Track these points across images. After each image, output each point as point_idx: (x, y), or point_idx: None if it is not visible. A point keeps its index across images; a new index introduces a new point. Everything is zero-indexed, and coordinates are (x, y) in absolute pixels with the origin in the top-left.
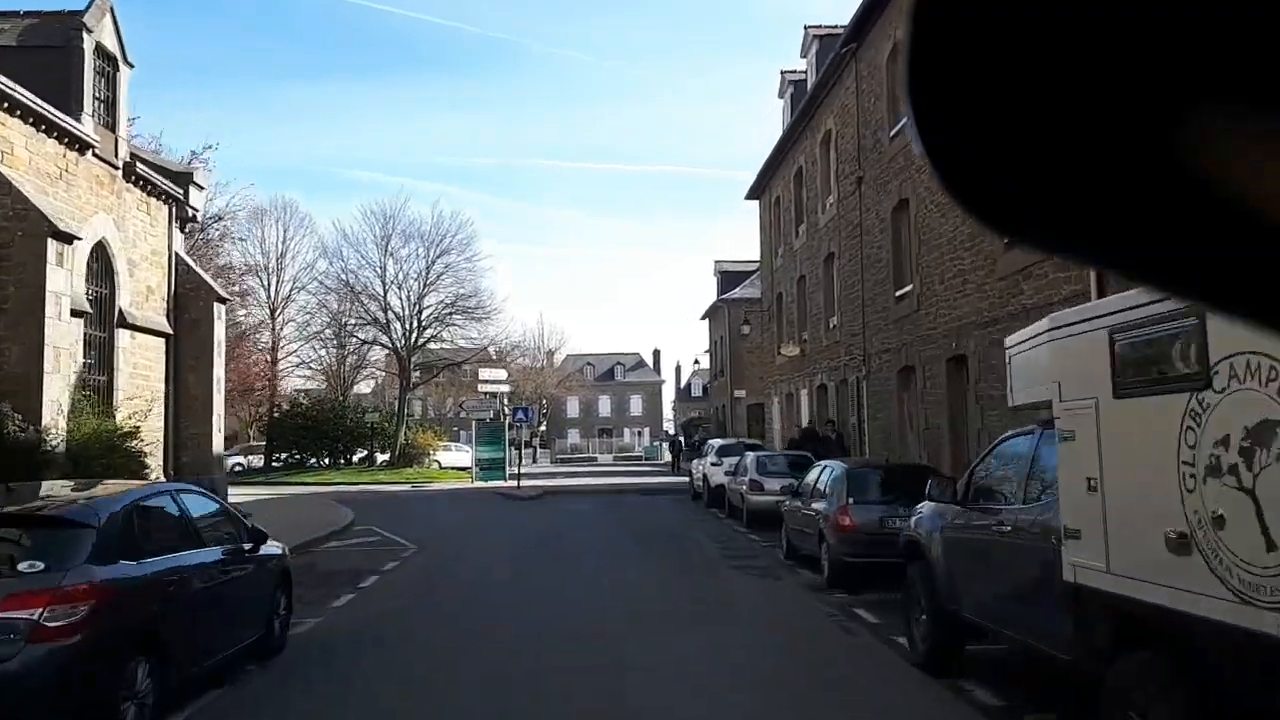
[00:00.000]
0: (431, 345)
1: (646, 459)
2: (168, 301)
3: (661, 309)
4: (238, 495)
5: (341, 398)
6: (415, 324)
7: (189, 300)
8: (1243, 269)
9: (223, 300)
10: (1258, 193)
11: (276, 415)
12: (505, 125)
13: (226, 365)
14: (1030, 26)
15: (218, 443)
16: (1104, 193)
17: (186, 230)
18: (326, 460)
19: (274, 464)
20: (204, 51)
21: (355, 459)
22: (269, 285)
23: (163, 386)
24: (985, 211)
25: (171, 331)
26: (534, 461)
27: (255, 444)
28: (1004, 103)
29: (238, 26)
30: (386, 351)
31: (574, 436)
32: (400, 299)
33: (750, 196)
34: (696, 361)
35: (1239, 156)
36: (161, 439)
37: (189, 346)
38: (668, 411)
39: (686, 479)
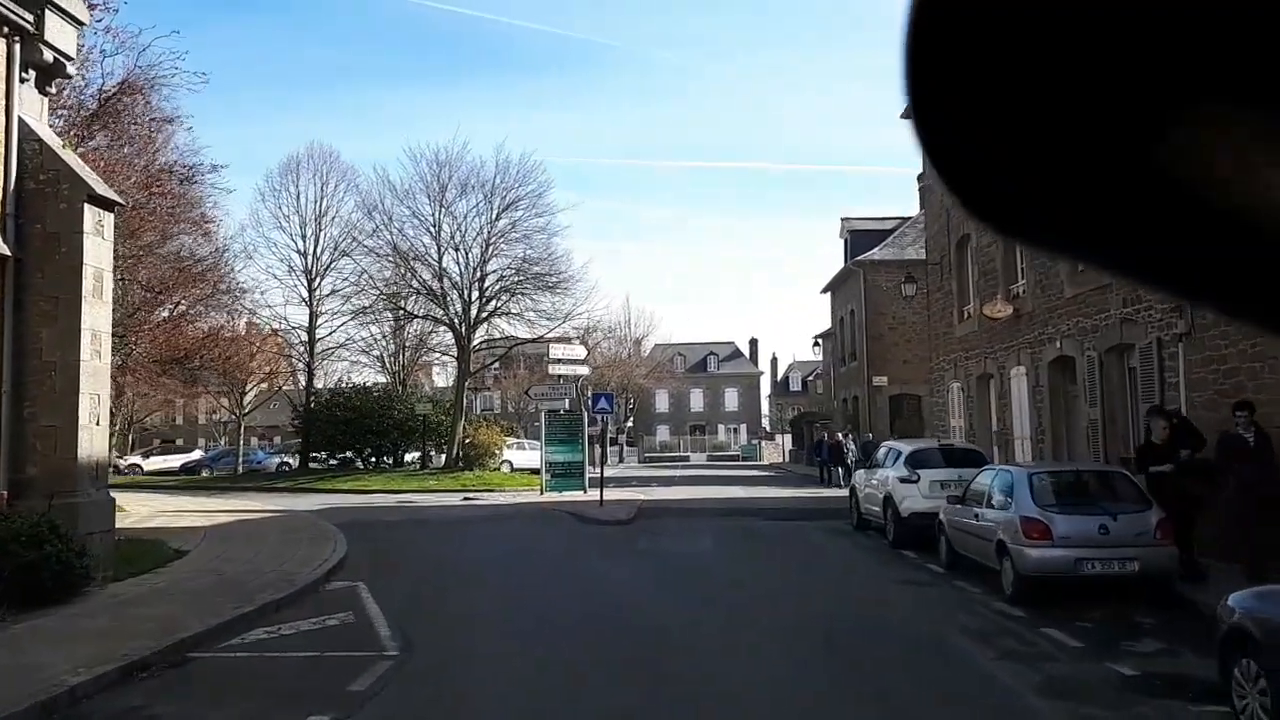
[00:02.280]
0: (497, 321)
1: (744, 459)
2: (2, 204)
3: (758, 297)
4: (219, 509)
5: (401, 387)
6: (476, 294)
7: (42, 202)
8: (1241, 269)
9: (106, 204)
10: (1256, 192)
11: (313, 406)
12: (587, 124)
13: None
14: (1030, 26)
15: (90, 443)
16: (1104, 193)
17: (52, 90)
18: (373, 460)
19: (312, 464)
20: (279, 58)
21: (408, 459)
22: (305, 251)
23: None
24: (985, 211)
25: (8, 252)
26: (620, 461)
27: (292, 442)
28: (1004, 102)
29: (316, 33)
30: (448, 331)
31: (663, 433)
32: (458, 264)
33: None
34: (816, 343)
35: (1238, 156)
36: None
37: (41, 279)
38: (765, 407)
39: (821, 484)
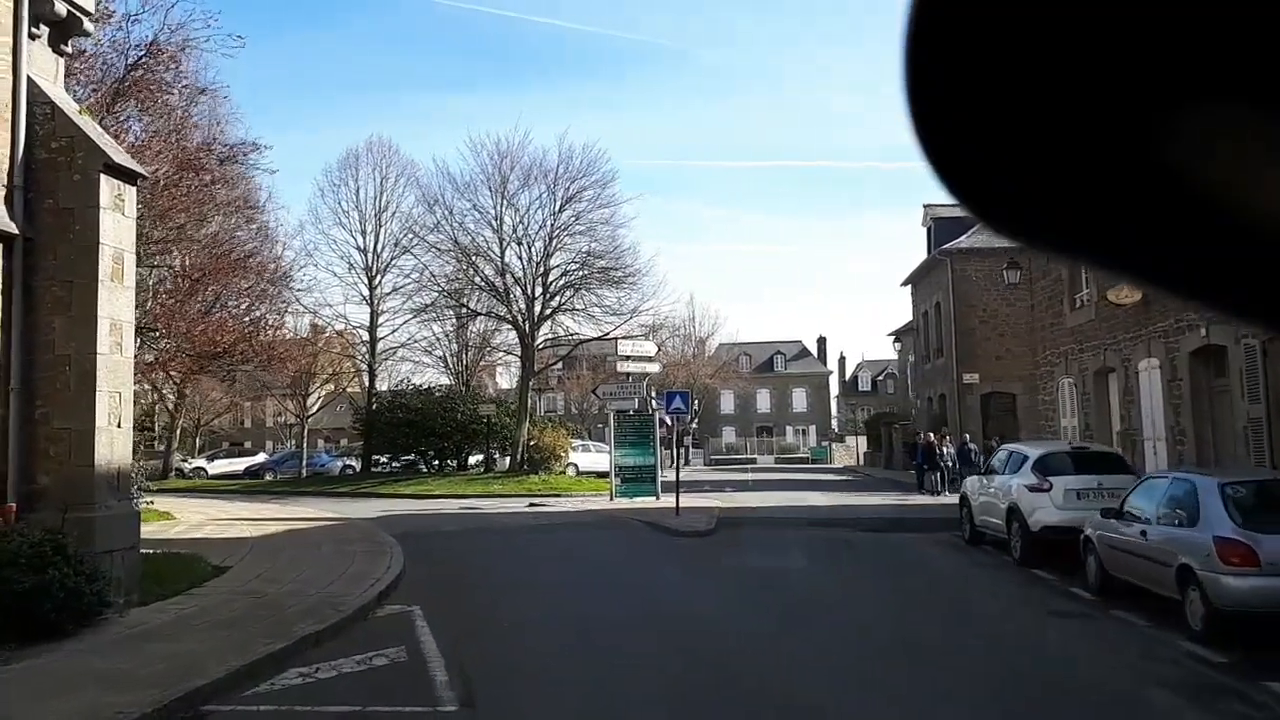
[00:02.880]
0: (561, 318)
1: (814, 462)
2: (9, 175)
3: (824, 295)
4: (273, 517)
5: (464, 388)
6: (540, 290)
7: (54, 173)
8: (1241, 269)
9: (126, 176)
10: (1254, 193)
11: (375, 408)
12: (638, 125)
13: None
14: (1029, 27)
15: (110, 447)
16: (1103, 193)
17: (68, 49)
18: (436, 464)
19: (374, 468)
20: (331, 68)
21: (472, 462)
22: (365, 248)
23: None
24: (986, 212)
25: (15, 230)
26: (685, 463)
27: (355, 445)
28: (1004, 103)
29: (382, 41)
30: (510, 329)
31: (729, 435)
32: (521, 259)
33: None
34: (897, 340)
35: (1237, 157)
36: None
37: (53, 261)
38: (834, 407)
39: (926, 494)
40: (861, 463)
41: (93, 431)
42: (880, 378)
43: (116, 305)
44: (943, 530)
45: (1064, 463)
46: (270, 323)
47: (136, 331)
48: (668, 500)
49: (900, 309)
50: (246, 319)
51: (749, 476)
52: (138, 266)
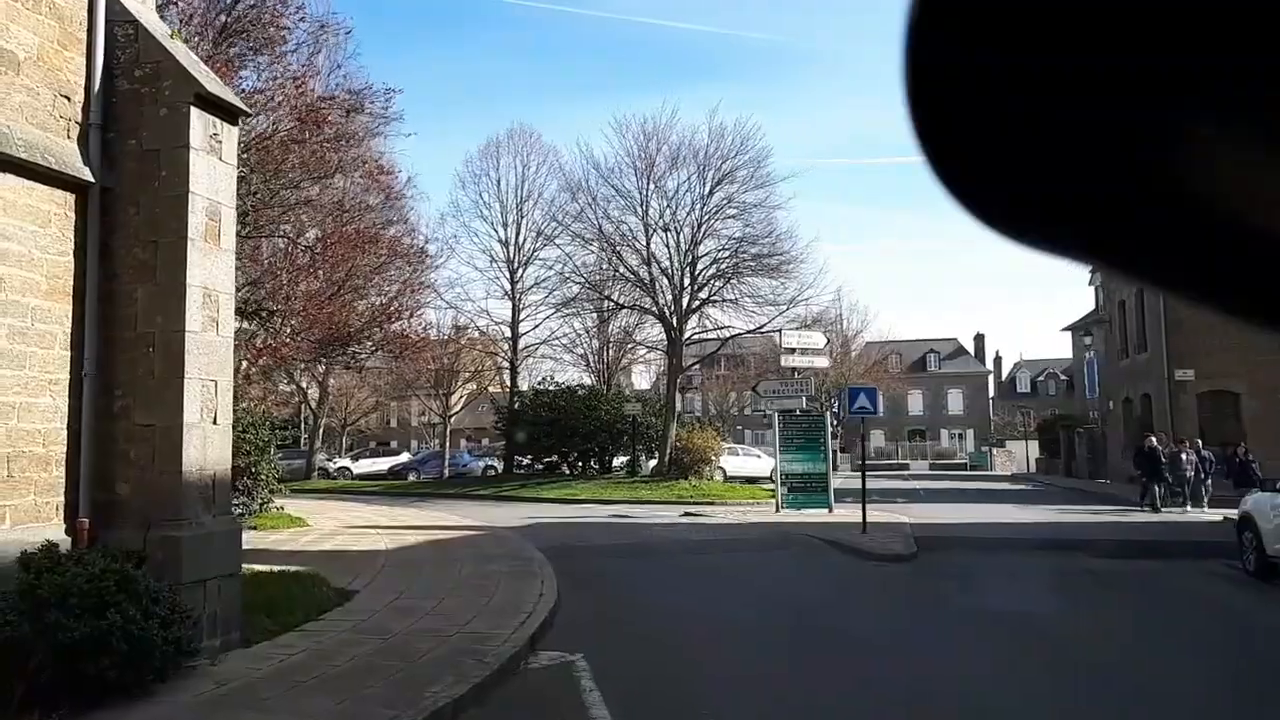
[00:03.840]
0: (709, 310)
1: (973, 468)
2: (84, 109)
3: (977, 291)
4: (411, 524)
5: (604, 386)
6: (688, 280)
7: (137, 107)
8: (1241, 269)
9: (224, 111)
10: (1253, 195)
11: (516, 406)
12: (790, 126)
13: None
14: (1029, 28)
15: (203, 448)
16: (1104, 195)
17: None
18: (579, 465)
19: (516, 469)
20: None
21: (616, 464)
22: (507, 240)
23: (59, 309)
24: (986, 212)
25: (92, 178)
26: (834, 468)
27: (497, 445)
28: (1004, 104)
29: (508, 49)
30: (655, 324)
31: (877, 438)
32: (668, 247)
33: None
34: (1087, 334)
35: (1236, 159)
36: (58, 441)
37: (135, 215)
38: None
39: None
40: (1033, 470)
41: (180, 428)
42: (1041, 378)
43: (212, 271)
44: (1206, 557)
45: None
46: (403, 306)
47: (253, 313)
48: (842, 513)
49: (1074, 303)
50: (378, 301)
51: (915, 485)
52: (251, 235)
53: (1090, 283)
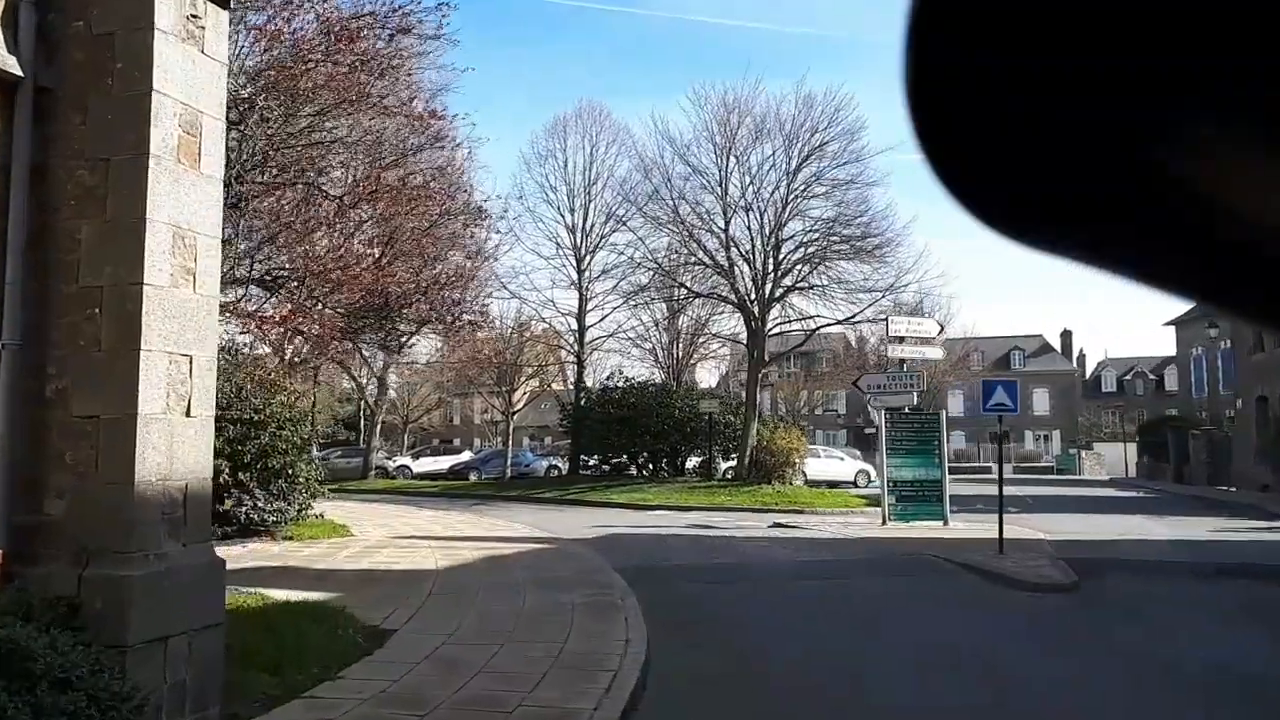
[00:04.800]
0: (793, 299)
1: (1060, 471)
2: None
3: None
4: (468, 534)
5: (674, 382)
6: (771, 265)
7: None
8: (1242, 269)
9: None
10: (1254, 194)
11: (584, 403)
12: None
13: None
14: (1029, 29)
15: (168, 449)
16: (1104, 195)
17: None
18: (649, 467)
19: (582, 469)
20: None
21: (689, 466)
22: (574, 226)
23: None
24: (986, 212)
25: (20, 73)
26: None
27: (561, 443)
28: (1004, 104)
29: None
30: (732, 315)
31: (957, 440)
32: (749, 229)
33: None
34: (1213, 325)
35: (1236, 159)
36: None
37: (80, 126)
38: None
39: None
40: (1132, 474)
41: (135, 421)
42: (1128, 377)
43: (186, 203)
44: None
45: None
46: (454, 274)
47: (270, 283)
48: (958, 526)
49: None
50: (423, 268)
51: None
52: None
53: None
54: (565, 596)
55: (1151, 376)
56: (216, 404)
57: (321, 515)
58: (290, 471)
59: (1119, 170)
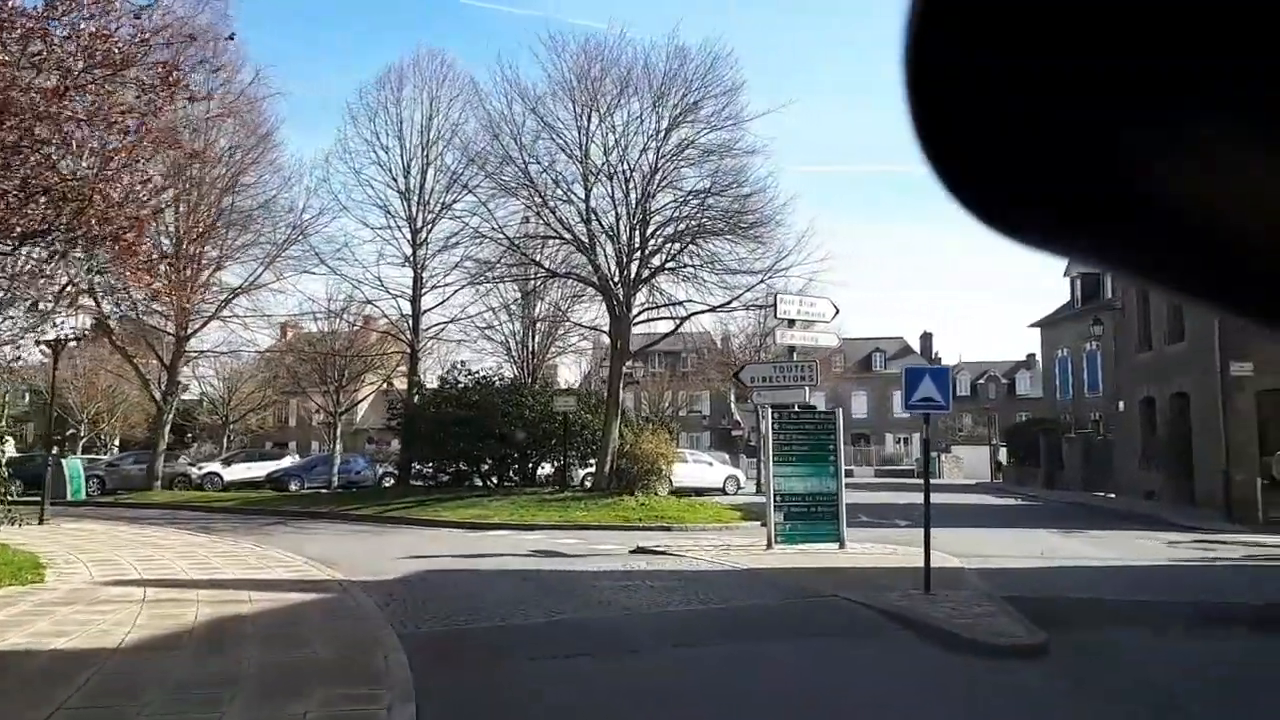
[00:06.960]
0: (660, 282)
1: (921, 474)
2: None
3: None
4: (210, 573)
5: (529, 379)
6: (638, 242)
7: None
8: (1241, 268)
9: None
10: (1253, 194)
11: (416, 400)
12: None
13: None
14: (1028, 29)
15: None
16: (1104, 195)
17: None
18: (495, 476)
19: (414, 479)
20: None
21: (542, 474)
22: (408, 190)
23: None
24: (986, 212)
25: None
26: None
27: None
28: (1004, 104)
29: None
30: (594, 302)
31: None
32: (613, 200)
33: None
34: (1097, 322)
35: (1235, 159)
36: None
37: None
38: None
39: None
40: (999, 479)
41: None
42: (980, 381)
43: None
44: None
45: None
46: (147, 190)
47: None
48: (856, 549)
49: (1035, 302)
50: (90, 168)
51: (892, 499)
52: None
53: (1066, 273)
54: (295, 709)
55: (1004, 380)
56: None
57: (15, 548)
58: None
59: (1119, 170)
